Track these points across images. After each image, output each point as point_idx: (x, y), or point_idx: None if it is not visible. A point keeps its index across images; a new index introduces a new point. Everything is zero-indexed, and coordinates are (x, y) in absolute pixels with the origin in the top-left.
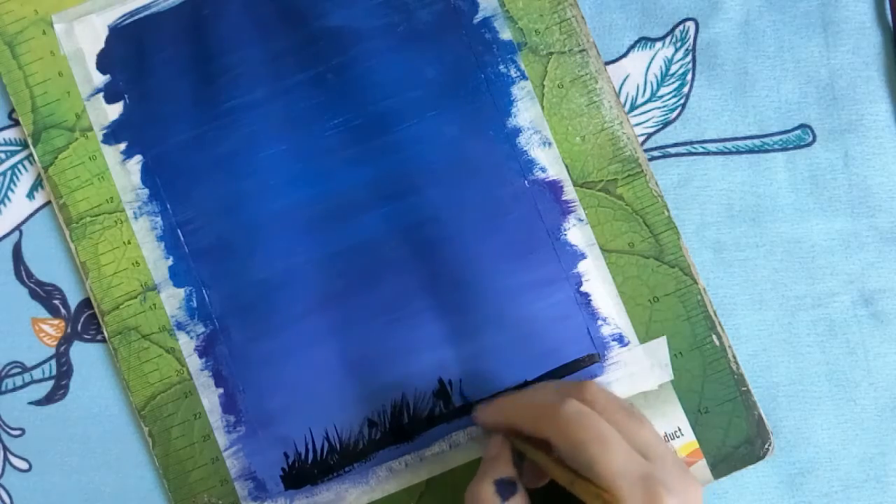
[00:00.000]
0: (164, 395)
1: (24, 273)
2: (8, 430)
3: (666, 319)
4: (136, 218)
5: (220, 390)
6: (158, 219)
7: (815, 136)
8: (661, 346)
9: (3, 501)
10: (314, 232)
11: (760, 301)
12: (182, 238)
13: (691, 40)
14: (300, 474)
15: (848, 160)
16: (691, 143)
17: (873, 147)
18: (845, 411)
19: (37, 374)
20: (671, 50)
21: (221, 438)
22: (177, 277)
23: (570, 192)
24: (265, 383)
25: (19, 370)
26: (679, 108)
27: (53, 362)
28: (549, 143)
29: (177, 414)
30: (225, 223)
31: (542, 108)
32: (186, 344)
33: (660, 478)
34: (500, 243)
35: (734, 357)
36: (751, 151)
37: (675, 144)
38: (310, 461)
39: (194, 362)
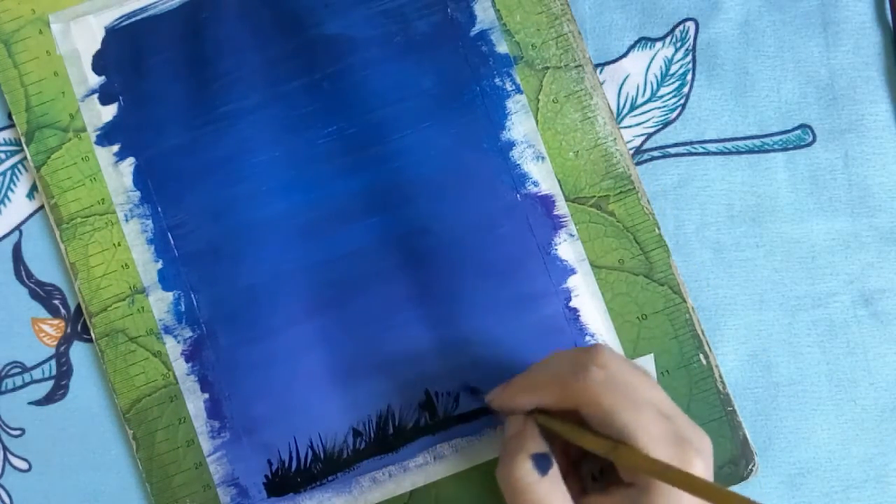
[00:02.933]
0: (149, 398)
1: (24, 273)
2: (8, 430)
3: (654, 337)
4: (126, 220)
5: (206, 395)
6: (149, 222)
7: (815, 136)
8: (648, 363)
9: (3, 501)
10: (305, 239)
11: (760, 301)
12: (172, 241)
13: (691, 40)
14: (283, 482)
15: (848, 160)
16: (691, 143)
17: (873, 147)
18: (845, 411)
19: (37, 374)
20: (671, 50)
21: (205, 444)
22: (165, 281)
23: (561, 207)
24: (251, 390)
25: (19, 370)
26: (679, 108)
27: (53, 362)
28: (543, 158)
29: (161, 418)
30: (215, 228)
31: (537, 122)
32: (173, 348)
33: (686, 436)
34: (490, 256)
35: (720, 377)
36: (751, 151)
37: (675, 144)
38: (293, 469)
39: (180, 367)
